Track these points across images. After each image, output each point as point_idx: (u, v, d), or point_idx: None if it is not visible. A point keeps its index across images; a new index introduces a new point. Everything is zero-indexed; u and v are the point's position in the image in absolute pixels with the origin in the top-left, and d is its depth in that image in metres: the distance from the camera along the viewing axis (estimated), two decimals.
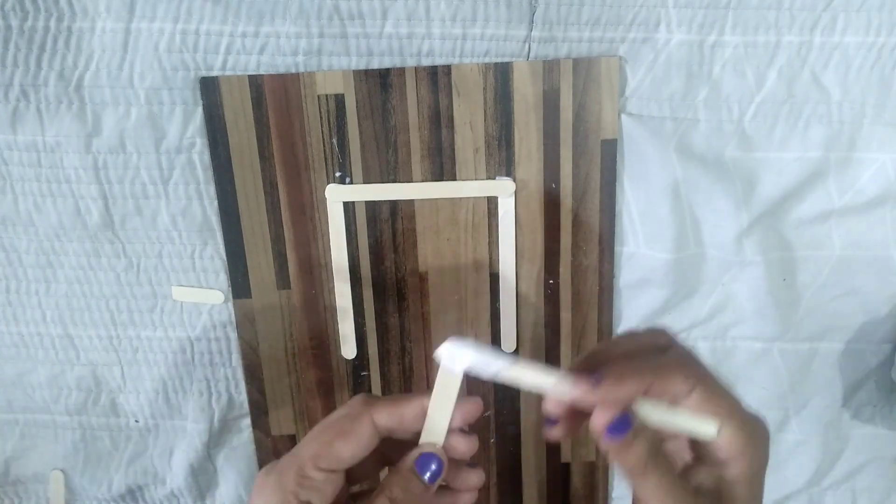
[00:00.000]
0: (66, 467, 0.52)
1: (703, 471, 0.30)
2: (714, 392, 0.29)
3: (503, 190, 0.44)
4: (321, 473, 0.30)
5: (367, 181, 0.44)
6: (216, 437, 0.50)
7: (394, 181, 0.44)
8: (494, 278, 0.46)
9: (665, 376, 0.29)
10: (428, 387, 0.49)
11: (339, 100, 0.43)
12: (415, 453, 0.31)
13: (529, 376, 0.30)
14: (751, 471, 0.29)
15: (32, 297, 0.48)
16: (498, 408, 0.49)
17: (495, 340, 0.48)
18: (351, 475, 0.32)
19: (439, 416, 0.31)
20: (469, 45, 0.42)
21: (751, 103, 0.43)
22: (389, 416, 0.31)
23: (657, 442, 0.29)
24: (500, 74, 0.42)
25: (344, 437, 0.30)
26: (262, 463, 0.51)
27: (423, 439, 0.31)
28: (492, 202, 0.45)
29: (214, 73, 0.42)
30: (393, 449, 0.32)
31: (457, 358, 0.31)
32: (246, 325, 0.47)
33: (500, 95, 0.43)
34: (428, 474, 0.30)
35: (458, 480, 0.32)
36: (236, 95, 0.43)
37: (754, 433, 0.29)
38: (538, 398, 0.51)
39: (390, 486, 0.30)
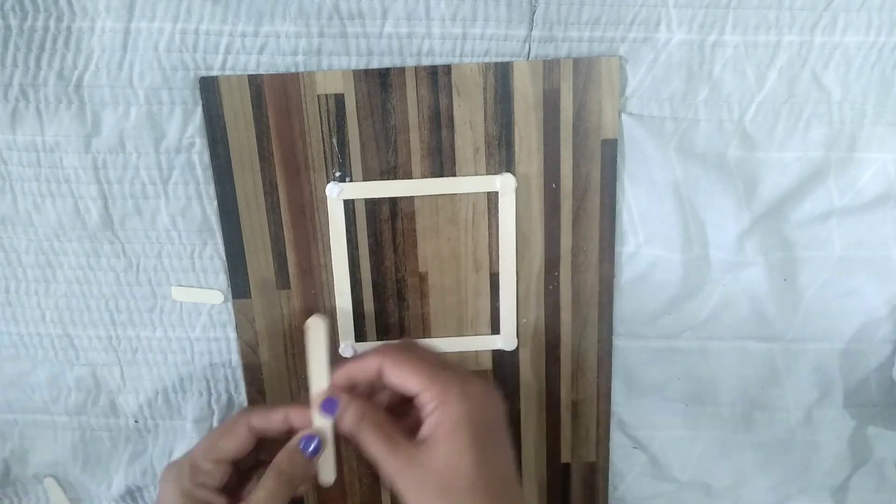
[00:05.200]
0: (65, 468, 0.52)
1: (424, 426, 0.37)
2: (400, 365, 0.37)
3: (504, 185, 0.44)
4: (210, 464, 0.39)
5: (366, 181, 0.44)
6: None
7: (394, 180, 0.44)
8: (494, 278, 0.46)
9: (362, 364, 0.38)
10: None
11: (339, 99, 0.43)
12: (300, 434, 0.39)
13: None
14: (448, 419, 0.35)
15: (32, 297, 0.48)
16: None
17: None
18: (243, 464, 0.41)
19: (317, 385, 0.40)
20: (469, 44, 0.42)
21: (751, 103, 0.43)
22: (260, 419, 0.40)
23: (368, 410, 0.38)
24: (500, 74, 0.42)
25: (226, 436, 0.39)
26: None
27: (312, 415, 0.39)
28: (492, 202, 0.45)
29: (214, 73, 0.42)
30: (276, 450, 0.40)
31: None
32: (246, 325, 0.47)
33: (500, 95, 0.43)
34: (310, 449, 0.39)
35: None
36: (236, 95, 0.43)
37: (446, 390, 0.36)
38: (539, 399, 0.51)
39: (279, 461, 0.39)
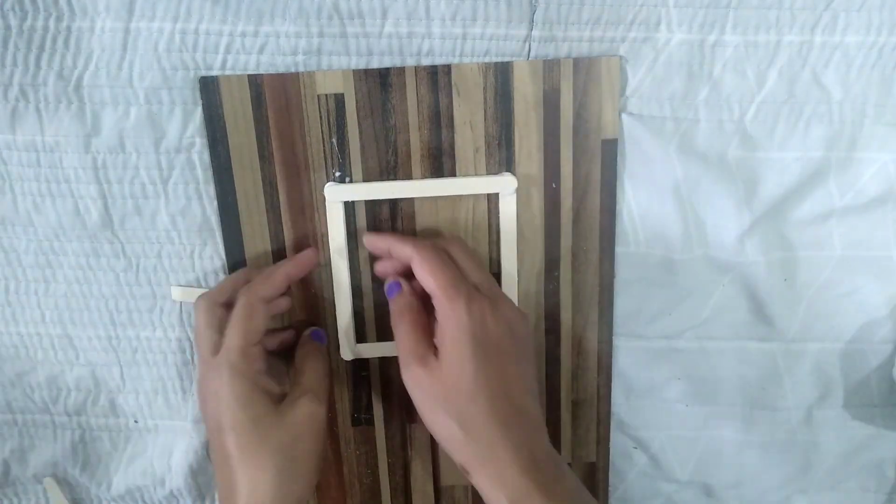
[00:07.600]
0: (64, 468, 0.52)
1: (436, 331, 0.39)
2: (424, 263, 0.39)
3: (505, 186, 0.44)
4: (255, 348, 0.40)
5: (366, 181, 0.44)
6: None
7: (394, 181, 0.44)
8: (495, 278, 0.46)
9: (400, 245, 0.41)
10: None
11: (339, 99, 0.43)
12: (307, 332, 0.45)
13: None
14: (450, 330, 0.37)
15: (32, 297, 0.48)
16: None
17: None
18: None
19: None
20: (469, 44, 0.42)
21: (751, 103, 0.43)
22: (267, 289, 0.41)
23: (413, 305, 0.40)
24: (501, 74, 0.42)
25: (253, 318, 0.40)
26: None
27: None
28: (492, 202, 0.45)
29: (214, 73, 0.42)
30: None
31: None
32: None
33: (500, 95, 0.43)
34: (320, 338, 0.46)
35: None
36: (236, 95, 0.43)
37: (453, 301, 0.37)
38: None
39: (304, 353, 0.43)
